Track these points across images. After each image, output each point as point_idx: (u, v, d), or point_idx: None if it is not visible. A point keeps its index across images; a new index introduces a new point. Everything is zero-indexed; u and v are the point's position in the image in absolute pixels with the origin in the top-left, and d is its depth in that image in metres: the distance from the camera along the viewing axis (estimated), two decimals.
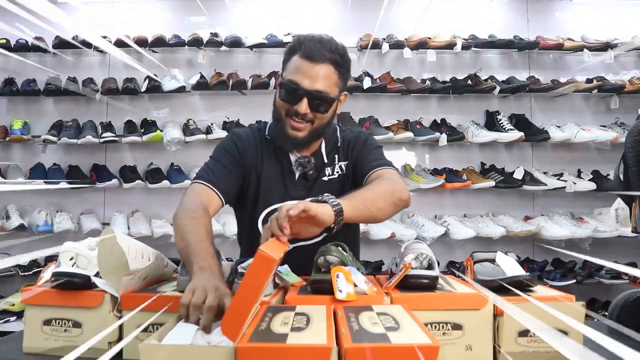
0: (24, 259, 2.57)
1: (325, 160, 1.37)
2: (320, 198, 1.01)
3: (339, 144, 1.40)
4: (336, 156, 1.39)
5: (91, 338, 0.90)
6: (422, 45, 3.00)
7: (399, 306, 0.81)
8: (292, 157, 1.36)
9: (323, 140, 1.38)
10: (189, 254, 0.98)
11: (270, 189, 1.35)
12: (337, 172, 1.38)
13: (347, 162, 1.39)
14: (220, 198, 1.27)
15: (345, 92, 1.34)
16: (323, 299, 0.89)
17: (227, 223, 2.89)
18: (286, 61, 1.27)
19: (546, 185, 2.92)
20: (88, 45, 2.96)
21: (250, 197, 1.37)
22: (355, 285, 0.92)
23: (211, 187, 1.26)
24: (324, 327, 0.70)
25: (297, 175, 1.36)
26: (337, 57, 1.22)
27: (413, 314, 0.77)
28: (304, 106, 1.21)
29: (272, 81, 2.96)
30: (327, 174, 1.37)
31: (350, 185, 1.37)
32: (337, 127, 1.44)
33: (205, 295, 0.78)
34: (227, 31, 3.08)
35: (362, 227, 2.79)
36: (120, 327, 0.93)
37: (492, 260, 1.01)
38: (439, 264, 1.00)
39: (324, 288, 0.91)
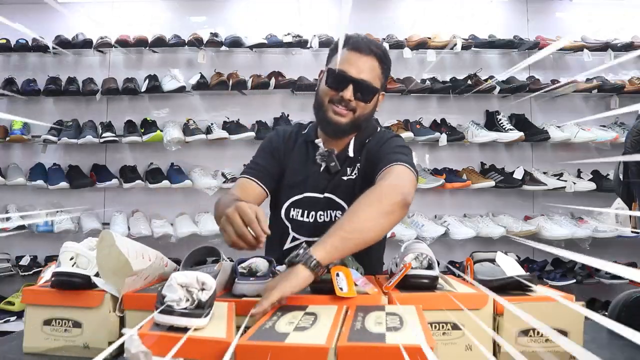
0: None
1: (351, 155, 1.39)
2: (295, 258, 0.90)
3: (368, 141, 1.39)
4: (359, 157, 1.39)
5: (91, 338, 0.91)
6: (422, 45, 3.00)
7: (412, 307, 0.80)
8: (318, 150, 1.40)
9: (353, 136, 1.40)
10: (224, 207, 1.04)
11: (293, 177, 1.42)
12: (355, 173, 1.39)
13: (365, 163, 1.38)
14: (263, 188, 1.38)
15: (383, 92, 1.38)
16: (323, 299, 0.89)
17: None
18: (331, 56, 1.37)
19: (546, 185, 2.92)
20: (88, 45, 2.96)
21: (278, 184, 1.44)
22: (355, 285, 0.92)
23: (253, 179, 1.39)
24: (328, 327, 0.69)
25: (322, 168, 1.40)
26: (381, 54, 1.31)
27: (423, 315, 0.76)
28: (349, 93, 1.27)
29: (272, 81, 2.96)
30: (347, 173, 1.39)
31: (359, 187, 1.33)
32: (377, 127, 1.44)
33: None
34: (227, 31, 3.07)
35: None
36: (121, 326, 0.93)
37: (492, 260, 1.01)
38: (439, 264, 1.00)
39: (324, 288, 0.91)
